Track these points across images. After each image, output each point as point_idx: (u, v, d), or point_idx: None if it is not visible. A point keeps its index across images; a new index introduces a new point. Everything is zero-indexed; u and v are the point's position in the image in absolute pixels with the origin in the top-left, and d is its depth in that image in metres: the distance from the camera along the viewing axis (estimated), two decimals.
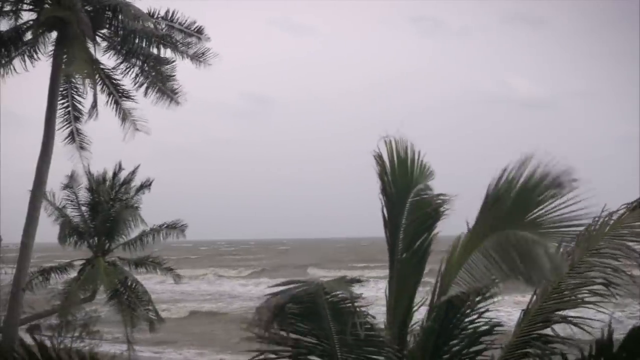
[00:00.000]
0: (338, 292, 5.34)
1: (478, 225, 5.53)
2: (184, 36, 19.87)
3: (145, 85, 20.24)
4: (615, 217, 5.02)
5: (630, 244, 4.80)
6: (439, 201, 6.04)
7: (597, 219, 5.09)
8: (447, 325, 5.54)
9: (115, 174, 23.76)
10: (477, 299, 5.57)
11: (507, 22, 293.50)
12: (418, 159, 6.28)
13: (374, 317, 5.59)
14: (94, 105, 19.63)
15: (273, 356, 5.35)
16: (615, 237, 4.88)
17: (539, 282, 4.66)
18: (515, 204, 5.30)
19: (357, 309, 5.36)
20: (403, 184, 6.20)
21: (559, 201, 5.17)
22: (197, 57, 20.08)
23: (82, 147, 21.02)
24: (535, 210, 5.13)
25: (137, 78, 20.11)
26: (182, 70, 20.61)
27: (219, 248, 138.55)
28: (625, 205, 4.99)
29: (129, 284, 23.07)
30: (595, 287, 4.84)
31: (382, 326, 5.64)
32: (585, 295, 4.88)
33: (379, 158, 6.15)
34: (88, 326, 24.07)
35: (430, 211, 6.01)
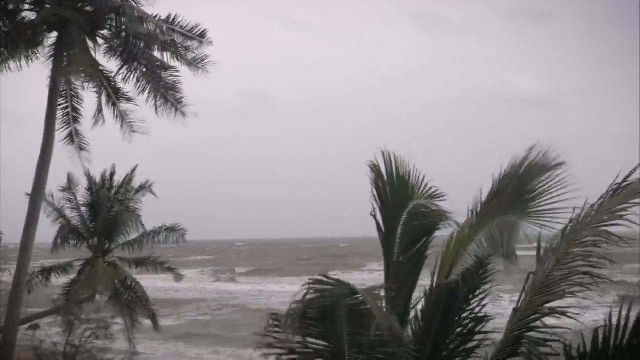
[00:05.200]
0: (358, 296, 5.42)
1: (477, 219, 5.72)
2: (184, 39, 19.71)
3: (147, 91, 20.00)
4: (596, 207, 5.07)
5: (611, 229, 4.82)
6: (437, 216, 6.21)
7: (580, 210, 5.18)
8: (445, 321, 5.62)
9: (112, 175, 23.84)
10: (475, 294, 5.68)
11: (508, 20, 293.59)
12: (419, 178, 6.49)
13: (395, 318, 5.64)
14: (100, 110, 19.64)
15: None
16: (597, 225, 4.95)
17: (508, 257, 5.22)
18: (513, 195, 5.52)
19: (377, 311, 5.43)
20: (402, 194, 6.41)
21: (552, 191, 5.45)
22: (196, 64, 19.83)
23: (81, 148, 21.07)
24: (530, 199, 5.57)
25: (139, 82, 19.94)
26: (182, 73, 20.33)
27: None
28: (604, 194, 5.05)
29: (129, 284, 23.12)
30: (578, 276, 4.90)
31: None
32: (570, 285, 4.93)
33: (373, 166, 6.35)
34: (102, 328, 24.03)
35: (429, 223, 6.19)
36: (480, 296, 5.78)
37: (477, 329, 5.74)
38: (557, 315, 4.93)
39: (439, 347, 5.61)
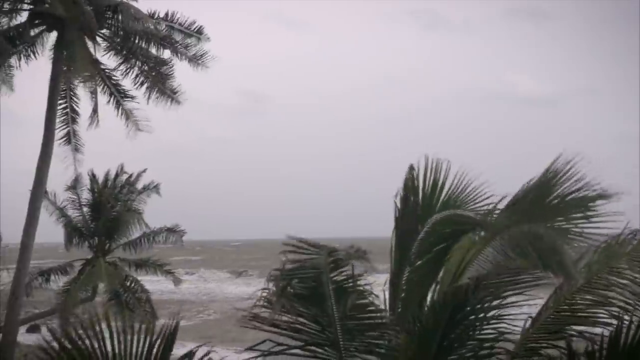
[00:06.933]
0: (343, 270, 5.35)
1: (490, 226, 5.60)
2: (183, 37, 19.85)
3: (145, 85, 20.17)
4: (639, 236, 4.95)
5: None
6: (469, 226, 6.05)
7: (619, 235, 5.05)
8: (452, 329, 5.50)
9: (117, 175, 23.85)
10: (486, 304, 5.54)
11: (508, 18, 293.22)
12: (461, 186, 6.33)
13: (377, 296, 5.54)
14: (95, 110, 19.73)
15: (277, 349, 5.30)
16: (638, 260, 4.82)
17: (562, 274, 4.77)
18: (541, 209, 5.38)
19: (360, 288, 5.36)
20: (435, 199, 6.31)
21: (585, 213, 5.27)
22: (196, 60, 20.01)
23: (77, 149, 21.13)
24: (559, 217, 5.32)
25: (138, 78, 20.09)
26: (179, 68, 20.46)
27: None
28: None
29: (129, 284, 23.10)
30: (614, 308, 4.76)
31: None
32: (603, 314, 4.79)
33: (411, 168, 6.29)
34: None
35: (457, 229, 6.05)
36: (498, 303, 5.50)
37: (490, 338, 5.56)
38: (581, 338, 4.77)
39: (445, 351, 5.48)
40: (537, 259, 4.80)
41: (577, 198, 5.33)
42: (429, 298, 5.83)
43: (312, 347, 5.43)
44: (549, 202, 5.48)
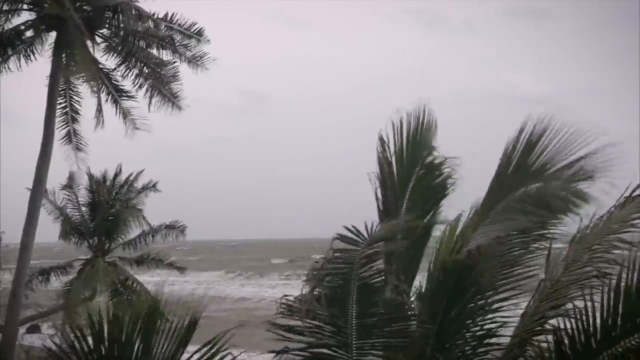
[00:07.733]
0: (373, 264, 5.25)
1: (486, 201, 5.53)
2: (182, 38, 19.77)
3: (145, 87, 20.09)
4: (605, 217, 4.99)
5: (623, 235, 4.76)
6: (448, 169, 5.85)
7: (589, 221, 5.07)
8: (449, 323, 5.47)
9: (116, 175, 23.86)
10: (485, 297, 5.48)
11: (508, 18, 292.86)
12: (429, 119, 6.09)
13: (406, 287, 5.44)
14: (99, 110, 19.67)
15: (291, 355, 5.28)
16: (608, 234, 4.86)
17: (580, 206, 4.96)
18: (529, 168, 5.33)
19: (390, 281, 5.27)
20: (410, 158, 6.05)
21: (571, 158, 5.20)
22: (195, 61, 19.95)
23: (78, 149, 21.10)
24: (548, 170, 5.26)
25: (137, 79, 20.00)
26: (180, 69, 20.42)
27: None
28: (614, 205, 4.96)
29: (129, 283, 23.08)
30: (587, 280, 4.79)
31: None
32: (577, 290, 4.81)
33: (380, 140, 6.02)
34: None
35: (439, 183, 5.88)
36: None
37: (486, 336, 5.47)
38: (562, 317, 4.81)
39: (444, 335, 5.43)
40: (548, 209, 4.85)
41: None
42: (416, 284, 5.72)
43: (324, 350, 5.38)
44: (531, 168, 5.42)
